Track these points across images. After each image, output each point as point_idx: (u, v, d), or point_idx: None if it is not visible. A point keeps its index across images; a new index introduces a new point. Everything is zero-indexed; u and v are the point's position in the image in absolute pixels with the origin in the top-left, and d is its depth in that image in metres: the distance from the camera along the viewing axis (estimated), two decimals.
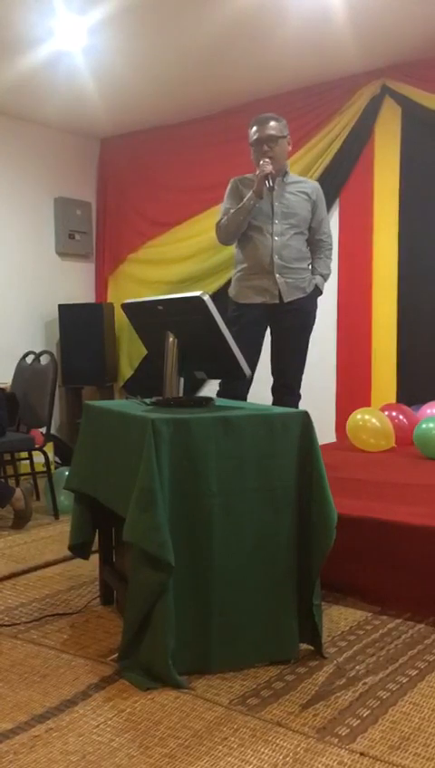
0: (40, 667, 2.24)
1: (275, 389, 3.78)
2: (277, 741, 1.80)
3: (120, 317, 5.93)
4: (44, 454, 4.25)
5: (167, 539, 2.03)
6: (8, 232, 5.70)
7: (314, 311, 3.77)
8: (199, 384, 5.02)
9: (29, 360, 4.59)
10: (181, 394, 2.40)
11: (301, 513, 2.22)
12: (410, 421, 4.33)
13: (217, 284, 5.38)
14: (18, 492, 3.90)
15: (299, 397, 3.77)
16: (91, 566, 3.06)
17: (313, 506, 2.20)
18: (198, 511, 2.10)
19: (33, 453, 4.48)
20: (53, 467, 4.79)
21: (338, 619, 2.57)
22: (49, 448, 4.69)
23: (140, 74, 4.80)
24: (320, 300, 3.81)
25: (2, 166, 5.65)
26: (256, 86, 5.04)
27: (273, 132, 3.54)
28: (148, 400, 2.50)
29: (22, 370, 4.62)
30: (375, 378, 4.97)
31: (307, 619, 2.25)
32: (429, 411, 4.34)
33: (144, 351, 5.33)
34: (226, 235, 3.68)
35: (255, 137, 3.57)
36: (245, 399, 3.52)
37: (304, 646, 2.27)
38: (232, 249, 3.93)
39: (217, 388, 3.66)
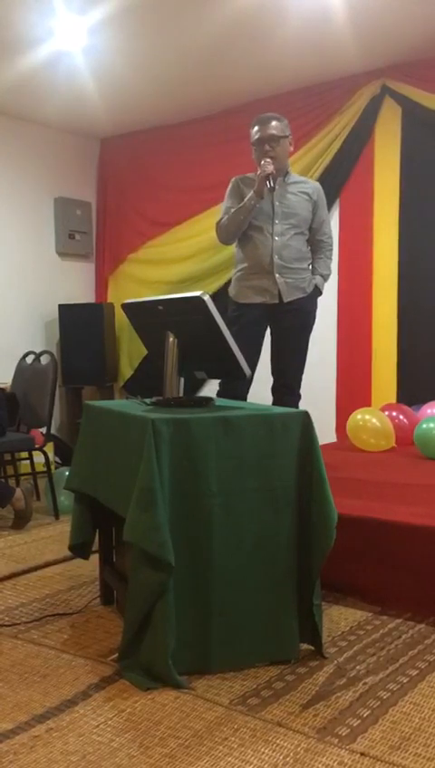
0: (40, 667, 2.24)
1: (275, 389, 3.78)
2: (278, 741, 1.80)
3: (121, 317, 5.93)
4: (45, 454, 4.25)
5: (167, 539, 2.03)
6: (8, 232, 5.70)
7: (314, 311, 3.77)
8: (199, 384, 5.02)
9: (29, 359, 4.59)
10: (181, 394, 2.40)
11: (301, 513, 2.22)
12: (410, 421, 4.33)
13: (217, 284, 5.38)
14: (18, 492, 3.90)
15: (299, 397, 3.77)
16: (91, 566, 3.06)
17: (313, 506, 2.20)
18: (198, 511, 2.10)
19: (34, 453, 4.48)
20: (53, 467, 4.79)
21: (338, 618, 2.57)
22: (49, 448, 4.69)
23: (140, 74, 4.80)
24: (320, 300, 3.81)
25: (2, 166, 5.65)
26: (256, 86, 5.04)
27: (274, 132, 3.54)
28: (148, 400, 2.50)
29: (22, 370, 4.62)
30: (375, 378, 4.97)
31: (307, 619, 2.25)
32: (429, 411, 4.34)
33: (144, 351, 5.34)
34: (226, 234, 3.68)
35: (256, 136, 3.57)
36: (245, 399, 3.52)
37: (304, 646, 2.27)
38: (232, 249, 3.93)
39: (217, 388, 3.66)
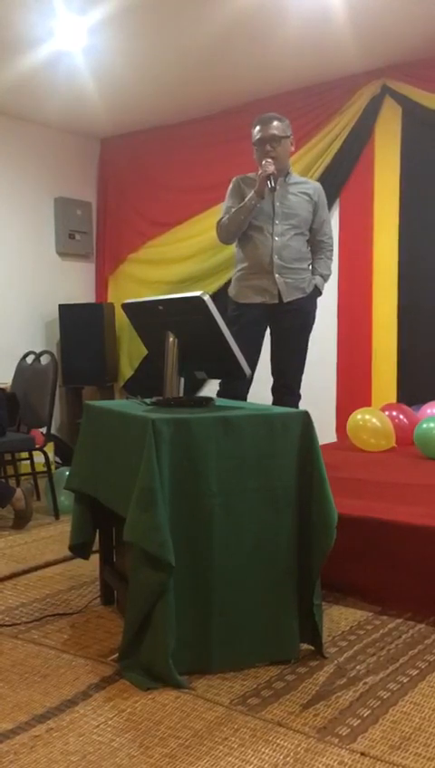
0: (40, 666, 2.24)
1: (275, 389, 3.78)
2: (278, 741, 1.80)
3: (121, 317, 5.93)
4: (45, 454, 4.25)
5: (167, 539, 2.03)
6: (8, 232, 5.70)
7: (314, 311, 3.77)
8: (199, 384, 5.02)
9: (29, 359, 4.59)
10: (181, 394, 2.40)
11: (301, 512, 2.22)
12: (410, 421, 4.33)
13: (217, 284, 5.38)
14: (19, 492, 3.90)
15: (299, 397, 3.77)
16: (91, 566, 3.06)
17: (313, 506, 2.20)
18: (198, 511, 2.10)
19: (34, 453, 4.48)
20: (53, 467, 4.79)
21: (338, 618, 2.57)
22: (49, 448, 4.69)
23: (140, 74, 4.80)
24: (320, 300, 3.81)
25: (2, 166, 5.65)
26: (256, 86, 5.04)
27: (276, 132, 3.54)
28: (148, 400, 2.50)
29: (22, 370, 4.62)
30: (375, 377, 4.97)
31: (308, 619, 2.25)
32: (429, 411, 4.34)
33: (144, 351, 5.34)
34: (226, 233, 3.68)
35: (258, 136, 3.57)
36: (245, 399, 3.53)
37: (304, 646, 2.27)
38: (232, 249, 3.93)
39: (217, 388, 3.66)
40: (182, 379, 2.41)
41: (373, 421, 4.24)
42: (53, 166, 5.99)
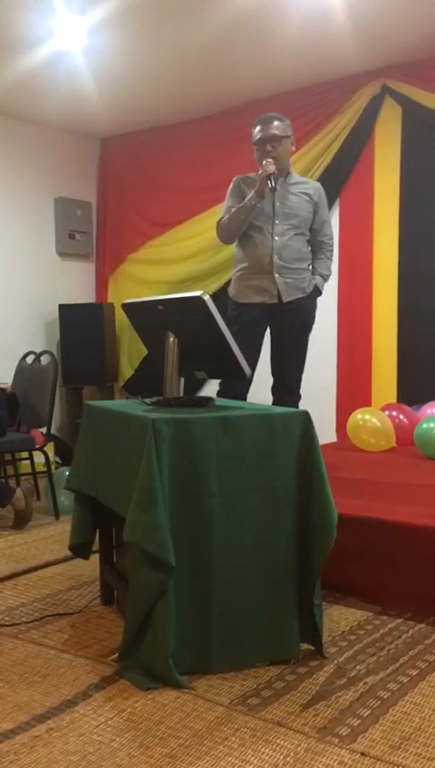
0: (40, 666, 2.24)
1: (275, 389, 3.78)
2: (278, 741, 1.80)
3: (121, 317, 5.93)
4: (45, 454, 4.25)
5: (167, 539, 2.03)
6: (8, 232, 5.70)
7: (314, 311, 3.77)
8: (199, 384, 5.02)
9: (29, 360, 4.59)
10: (181, 394, 2.40)
11: (301, 512, 2.22)
12: (410, 421, 4.33)
13: (217, 284, 5.38)
14: (19, 492, 3.90)
15: (299, 397, 3.77)
16: (91, 566, 3.06)
17: (313, 506, 2.20)
18: (198, 511, 2.10)
19: (34, 453, 4.48)
20: (53, 467, 4.79)
21: (338, 618, 2.57)
22: (49, 448, 4.69)
23: (140, 74, 4.80)
24: (320, 299, 3.81)
25: (2, 166, 5.65)
26: (256, 86, 5.04)
27: (276, 132, 3.53)
28: (148, 400, 2.50)
29: (22, 370, 4.62)
30: (376, 377, 4.97)
31: (308, 619, 2.25)
32: (429, 411, 4.34)
33: (144, 351, 5.34)
34: (226, 233, 3.68)
35: (258, 136, 3.57)
36: (245, 399, 3.53)
37: (304, 646, 2.27)
38: (232, 249, 3.93)
39: (217, 388, 3.66)
40: (182, 379, 2.41)
41: (373, 421, 4.23)
42: (53, 166, 5.99)
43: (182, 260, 5.74)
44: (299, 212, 3.64)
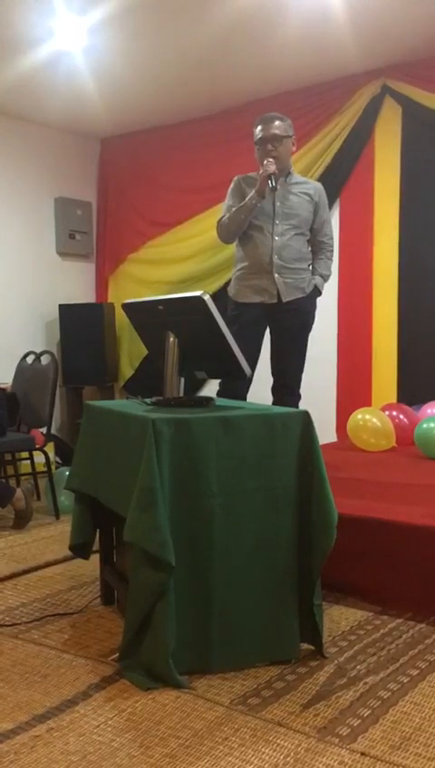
0: (41, 666, 2.24)
1: (274, 389, 3.78)
2: (278, 741, 1.80)
3: (121, 317, 5.93)
4: (45, 454, 4.25)
5: (167, 539, 2.03)
6: (8, 232, 5.70)
7: (313, 311, 3.77)
8: (200, 384, 5.02)
9: (30, 360, 4.59)
10: (181, 394, 2.40)
11: (301, 512, 2.22)
12: (410, 421, 4.33)
13: (217, 284, 5.38)
14: (19, 492, 3.90)
15: (299, 396, 3.77)
16: (91, 566, 3.06)
17: (313, 506, 2.20)
18: (198, 511, 2.10)
19: (34, 453, 4.48)
20: (53, 467, 4.79)
21: (339, 618, 2.57)
22: (50, 448, 4.69)
23: (140, 74, 4.80)
24: (320, 299, 3.81)
25: (2, 166, 5.65)
26: (256, 86, 5.04)
27: (277, 132, 3.53)
28: (148, 400, 2.50)
29: (22, 370, 4.62)
30: (376, 377, 4.97)
31: (308, 619, 2.25)
32: (429, 411, 4.34)
33: (144, 351, 5.34)
34: (226, 233, 3.68)
35: (259, 135, 3.57)
36: (245, 399, 3.52)
37: (304, 645, 2.27)
38: (232, 249, 3.93)
39: (217, 388, 3.66)
40: (182, 379, 2.41)
41: (374, 421, 4.23)
42: (53, 166, 5.99)
43: (182, 260, 5.74)
44: (299, 212, 3.64)
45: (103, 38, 4.24)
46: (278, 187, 3.53)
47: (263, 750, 1.76)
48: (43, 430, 4.37)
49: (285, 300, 3.63)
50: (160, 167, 5.91)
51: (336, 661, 2.23)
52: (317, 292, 3.75)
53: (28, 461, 4.69)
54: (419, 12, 3.99)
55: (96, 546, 2.76)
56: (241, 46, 4.37)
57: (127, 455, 2.24)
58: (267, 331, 3.77)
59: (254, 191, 3.53)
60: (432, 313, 4.74)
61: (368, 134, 4.91)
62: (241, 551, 2.14)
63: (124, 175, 6.15)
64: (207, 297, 2.18)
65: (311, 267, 3.76)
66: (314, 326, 3.79)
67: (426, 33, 4.27)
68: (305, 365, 3.77)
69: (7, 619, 2.62)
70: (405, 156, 4.79)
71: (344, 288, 5.06)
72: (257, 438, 2.16)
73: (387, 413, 4.36)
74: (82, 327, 5.82)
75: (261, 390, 3.72)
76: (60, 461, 5.68)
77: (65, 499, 4.16)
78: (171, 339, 2.35)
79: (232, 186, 3.74)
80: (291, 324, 3.68)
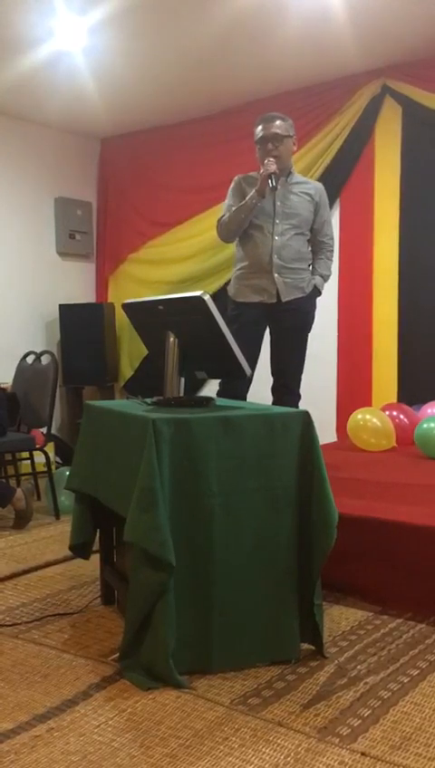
0: (41, 666, 2.24)
1: (274, 389, 3.78)
2: (278, 741, 1.80)
3: (121, 317, 5.93)
4: (45, 454, 4.25)
5: (167, 539, 2.03)
6: (8, 232, 5.70)
7: (313, 311, 3.77)
8: (200, 384, 5.02)
9: (30, 359, 4.59)
10: (182, 394, 2.40)
11: (301, 512, 2.22)
12: (410, 421, 4.33)
13: (217, 284, 5.38)
14: (19, 492, 3.90)
15: (299, 396, 3.77)
16: (91, 566, 3.06)
17: (313, 506, 2.20)
18: (198, 511, 2.10)
19: (34, 453, 4.48)
20: (53, 467, 4.79)
21: (339, 618, 2.57)
22: (50, 448, 4.69)
23: (140, 74, 4.80)
24: (320, 299, 3.81)
25: (2, 166, 5.65)
26: (256, 86, 5.04)
27: (278, 131, 3.53)
28: (148, 400, 2.50)
29: (22, 370, 4.62)
30: (376, 377, 4.97)
31: (308, 619, 2.25)
32: (429, 411, 4.34)
33: (145, 351, 5.34)
34: (226, 232, 3.68)
35: (260, 135, 3.57)
36: (244, 399, 3.52)
37: (304, 645, 2.27)
38: (232, 249, 3.93)
39: (217, 388, 3.66)
40: (182, 379, 2.41)
41: (374, 421, 4.23)
42: (53, 166, 5.99)
43: (182, 260, 5.74)
44: (300, 212, 3.64)
45: (103, 38, 4.24)
46: (279, 186, 3.53)
47: (263, 750, 1.76)
48: (44, 430, 4.37)
49: (284, 299, 3.63)
50: (160, 167, 5.91)
51: (336, 661, 2.23)
52: (317, 292, 3.74)
53: (28, 461, 4.69)
54: (419, 12, 3.99)
55: (96, 546, 2.76)
56: (241, 46, 4.37)
57: (127, 455, 2.24)
58: (267, 330, 3.77)
59: (254, 190, 3.53)
60: (432, 313, 4.74)
61: (368, 134, 4.91)
62: (241, 551, 2.14)
63: (124, 175, 6.15)
64: (207, 297, 2.18)
65: (311, 267, 3.76)
66: (314, 326, 3.79)
67: (426, 33, 4.27)
68: (305, 365, 3.77)
69: (7, 618, 2.62)
70: (405, 156, 4.79)
71: (344, 288, 5.06)
72: (257, 438, 2.16)
73: (387, 413, 4.36)
74: (82, 327, 5.82)
75: (261, 390, 3.72)
76: (60, 461, 5.68)
77: (65, 499, 4.16)
78: (171, 339, 2.35)
79: (232, 185, 3.74)
80: (290, 324, 3.68)
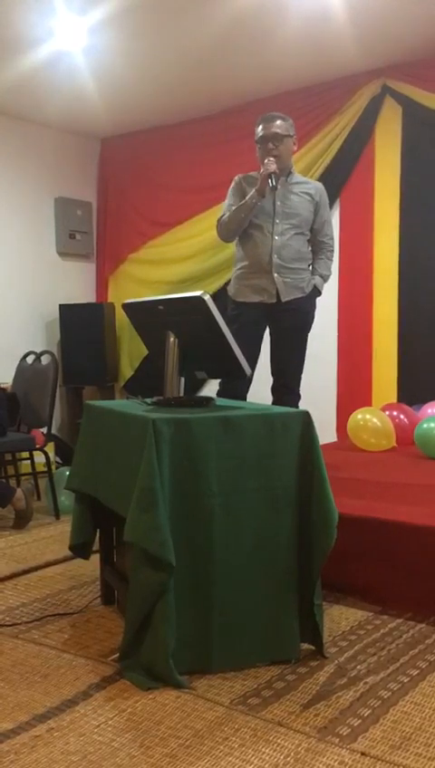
0: (41, 666, 2.24)
1: (274, 389, 3.78)
2: (278, 741, 1.80)
3: (121, 317, 5.93)
4: (45, 454, 4.25)
5: (167, 539, 2.03)
6: (8, 232, 5.70)
7: (313, 311, 3.77)
8: (200, 384, 5.02)
9: (30, 359, 4.59)
10: (182, 394, 2.40)
11: (301, 512, 2.22)
12: (410, 421, 4.33)
13: (217, 284, 5.38)
14: (19, 492, 3.90)
15: (299, 396, 3.77)
16: (91, 566, 3.06)
17: (313, 506, 2.20)
18: (198, 511, 2.10)
19: (34, 453, 4.48)
20: (53, 467, 4.79)
21: (339, 618, 2.57)
22: (50, 448, 4.69)
23: (140, 74, 4.80)
24: (320, 299, 3.81)
25: (2, 166, 5.65)
26: (256, 86, 5.04)
27: (278, 131, 3.54)
28: (148, 400, 2.50)
29: (23, 370, 4.62)
30: (376, 377, 4.97)
31: (308, 619, 2.25)
32: (429, 411, 4.34)
33: (145, 351, 5.34)
34: (226, 231, 3.68)
35: (260, 134, 3.57)
36: (244, 399, 3.52)
37: (304, 645, 2.27)
38: (232, 249, 3.93)
39: (217, 388, 3.66)
40: (182, 379, 2.41)
41: (374, 421, 4.23)
42: (53, 166, 5.99)
43: (182, 260, 5.74)
44: (300, 212, 3.64)
45: (103, 38, 4.24)
46: (279, 186, 3.53)
47: (263, 750, 1.76)
48: (44, 430, 4.37)
49: (284, 299, 3.63)
50: (160, 167, 5.91)
51: (336, 661, 2.23)
52: (317, 292, 3.74)
53: (28, 461, 4.69)
54: (419, 12, 3.99)
55: (96, 546, 2.76)
56: (241, 46, 4.37)
57: (127, 455, 2.24)
58: (267, 330, 3.77)
59: (254, 190, 3.53)
60: (432, 313, 4.74)
61: (368, 134, 4.91)
62: (241, 551, 2.14)
63: (124, 175, 6.15)
64: (207, 297, 2.18)
65: (311, 267, 3.76)
66: (314, 326, 3.79)
67: (426, 33, 4.28)
68: (305, 365, 3.77)
69: (7, 618, 2.62)
70: (405, 156, 4.79)
71: (344, 288, 5.06)
72: (257, 438, 2.16)
73: (387, 413, 4.36)
74: (82, 327, 5.82)
75: (261, 390, 3.72)
76: (60, 461, 5.68)
77: (65, 499, 4.16)
78: (171, 339, 2.35)
79: (233, 185, 3.74)
80: (290, 324, 3.68)
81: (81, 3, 3.81)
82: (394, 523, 2.68)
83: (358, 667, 2.19)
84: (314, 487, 2.20)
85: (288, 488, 2.20)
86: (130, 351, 6.05)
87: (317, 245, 3.76)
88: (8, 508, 3.94)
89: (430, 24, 4.14)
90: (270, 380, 3.78)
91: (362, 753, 1.73)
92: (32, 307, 5.88)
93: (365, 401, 4.86)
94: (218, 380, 3.64)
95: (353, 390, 5.04)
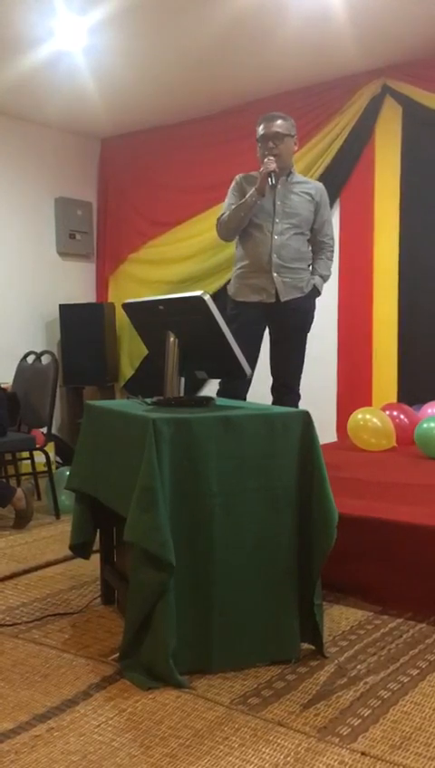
0: (41, 666, 2.24)
1: (274, 389, 3.78)
2: (278, 740, 1.80)
3: (121, 317, 5.93)
4: (45, 453, 4.25)
5: (168, 538, 2.03)
6: (9, 232, 5.70)
7: (312, 311, 3.77)
8: (200, 384, 5.02)
9: (30, 359, 4.59)
10: (182, 394, 2.40)
11: (302, 512, 2.22)
12: (411, 421, 4.33)
13: (217, 284, 5.38)
14: (19, 492, 3.90)
15: (299, 396, 3.77)
16: (92, 566, 3.06)
17: (313, 506, 2.20)
18: (198, 511, 2.10)
19: (35, 453, 4.48)
20: (54, 467, 4.79)
21: (339, 618, 2.57)
22: (50, 448, 4.70)
23: (140, 74, 4.80)
24: (320, 299, 3.81)
25: (2, 166, 5.65)
26: (256, 86, 5.04)
27: (279, 130, 3.54)
28: (148, 400, 2.50)
29: (23, 370, 4.62)
30: (376, 377, 4.97)
31: (308, 619, 2.25)
32: (430, 411, 4.34)
33: (145, 351, 5.34)
34: (226, 230, 3.68)
35: (261, 133, 3.57)
36: (244, 399, 3.52)
37: (305, 645, 2.27)
38: (232, 249, 3.93)
39: (217, 388, 3.66)
40: (182, 379, 2.41)
41: (374, 421, 4.24)
42: (53, 166, 5.99)
43: (182, 260, 5.74)
44: (300, 211, 3.64)
45: (103, 38, 4.24)
46: (279, 185, 3.53)
47: (263, 750, 1.76)
48: (44, 430, 4.37)
49: (283, 299, 3.63)
50: (160, 167, 5.91)
51: (336, 661, 2.23)
52: (316, 292, 3.74)
53: (28, 461, 4.69)
54: (419, 12, 3.99)
55: (96, 546, 2.76)
56: (241, 46, 4.37)
57: (127, 454, 2.24)
58: (267, 330, 3.77)
59: (254, 189, 3.53)
60: (432, 313, 4.74)
61: (368, 134, 4.91)
62: (241, 551, 2.14)
63: (124, 175, 6.15)
64: (207, 297, 2.18)
65: (310, 267, 3.76)
66: (314, 326, 3.79)
67: (426, 33, 4.28)
68: (305, 365, 3.77)
69: (8, 618, 2.62)
70: (405, 156, 4.79)
71: (344, 288, 5.06)
72: (257, 438, 2.16)
73: (387, 413, 4.36)
74: (82, 327, 5.83)
75: (261, 390, 3.72)
76: (60, 461, 5.68)
77: (66, 499, 4.16)
78: (171, 339, 2.35)
79: (233, 184, 3.74)
80: (290, 324, 3.68)
81: (81, 3, 3.81)
82: (394, 523, 2.68)
83: (358, 666, 2.19)
84: (315, 487, 2.20)
85: (288, 488, 2.20)
86: (131, 351, 6.05)
87: (317, 245, 3.76)
88: (8, 508, 3.94)
89: (430, 23, 4.14)
90: (270, 380, 3.78)
91: (363, 753, 1.73)
92: (32, 307, 5.88)
93: (365, 401, 4.86)
94: (218, 380, 3.64)
95: (353, 390, 5.04)
